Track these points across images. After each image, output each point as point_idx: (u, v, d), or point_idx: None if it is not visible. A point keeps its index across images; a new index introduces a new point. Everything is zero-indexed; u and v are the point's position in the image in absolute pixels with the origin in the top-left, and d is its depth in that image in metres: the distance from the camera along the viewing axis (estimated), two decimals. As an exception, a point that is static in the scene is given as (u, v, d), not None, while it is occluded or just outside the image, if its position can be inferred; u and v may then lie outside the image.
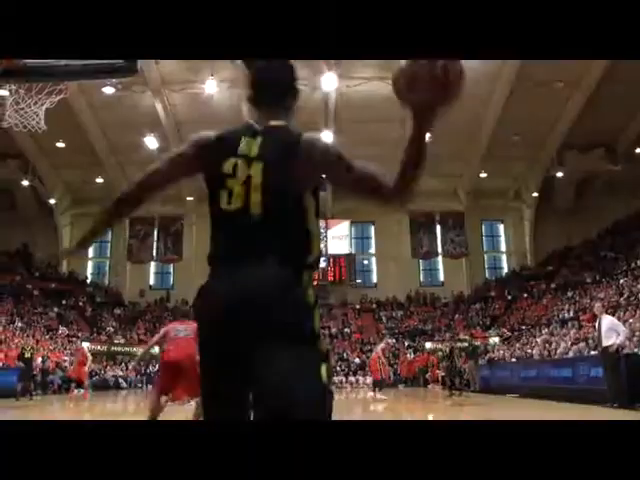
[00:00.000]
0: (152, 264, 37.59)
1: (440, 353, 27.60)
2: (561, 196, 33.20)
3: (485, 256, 37.79)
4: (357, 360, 27.49)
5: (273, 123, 1.88)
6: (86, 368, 20.06)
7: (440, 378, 23.16)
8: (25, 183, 31.78)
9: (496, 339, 26.48)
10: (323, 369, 1.74)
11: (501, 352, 21.70)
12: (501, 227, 37.79)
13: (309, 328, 1.76)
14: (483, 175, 32.58)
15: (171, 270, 37.94)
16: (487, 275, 37.00)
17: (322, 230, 33.79)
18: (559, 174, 31.04)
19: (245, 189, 1.82)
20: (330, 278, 35.88)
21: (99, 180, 32.87)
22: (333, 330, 33.53)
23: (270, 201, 1.80)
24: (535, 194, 33.74)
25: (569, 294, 25.97)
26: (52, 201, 33.99)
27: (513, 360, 19.28)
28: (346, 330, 33.88)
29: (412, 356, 28.41)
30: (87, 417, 11.71)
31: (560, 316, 22.87)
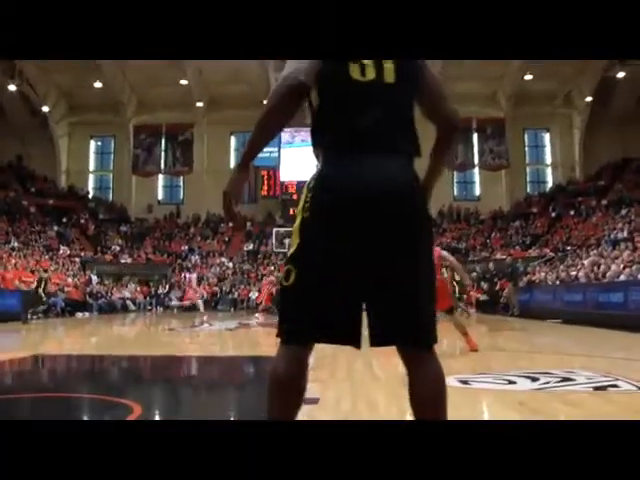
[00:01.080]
0: (160, 177, 37.44)
1: (475, 274, 27.53)
2: (619, 101, 31.69)
3: (527, 169, 36.91)
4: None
5: None
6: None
7: (475, 301, 23.17)
8: (12, 88, 30.42)
9: (538, 260, 26.22)
10: None
11: (543, 274, 21.51)
12: (547, 136, 36.62)
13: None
14: (528, 77, 31.20)
15: (181, 183, 37.85)
16: (529, 190, 36.27)
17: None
18: (620, 75, 29.46)
19: (374, 62, 2.03)
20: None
21: (97, 84, 32.16)
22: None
23: (401, 69, 2.06)
24: (588, 99, 32.31)
25: (623, 212, 25.36)
26: (45, 108, 33.20)
27: (556, 283, 19.11)
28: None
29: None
30: (93, 339, 11.90)
31: (612, 236, 22.41)
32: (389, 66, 2.06)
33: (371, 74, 2.03)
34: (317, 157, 2.08)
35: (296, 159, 33.31)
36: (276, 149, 33.99)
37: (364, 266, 1.94)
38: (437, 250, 10.15)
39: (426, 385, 2.03)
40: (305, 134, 33.30)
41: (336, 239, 1.93)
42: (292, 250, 2.06)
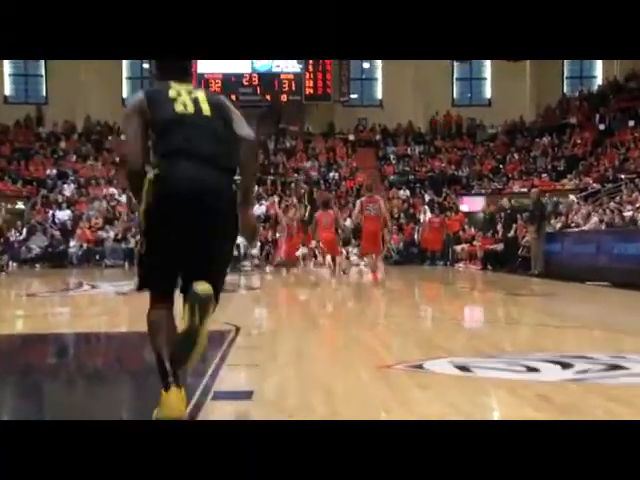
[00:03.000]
0: (6, 62, 36.38)
1: (482, 215, 27.78)
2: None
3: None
4: (348, 223, 27.69)
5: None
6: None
7: (482, 253, 23.49)
8: None
9: (575, 195, 26.60)
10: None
11: (581, 215, 21.82)
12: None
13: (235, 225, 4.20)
14: None
15: (42, 71, 36.93)
16: (565, 89, 36.69)
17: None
18: None
19: (194, 102, 4.17)
20: (308, 91, 35.24)
21: None
22: (313, 175, 33.47)
23: (214, 108, 4.23)
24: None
25: None
26: None
27: (602, 228, 19.39)
28: (332, 175, 33.85)
29: (436, 219, 28.69)
30: None
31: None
32: (205, 105, 4.20)
33: (192, 108, 4.15)
34: (154, 165, 4.08)
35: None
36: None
37: (183, 238, 4.02)
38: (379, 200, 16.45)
39: None
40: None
41: (168, 219, 3.97)
42: (143, 228, 4.12)
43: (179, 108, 4.16)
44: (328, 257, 18.85)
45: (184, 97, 4.22)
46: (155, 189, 4.00)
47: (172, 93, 4.22)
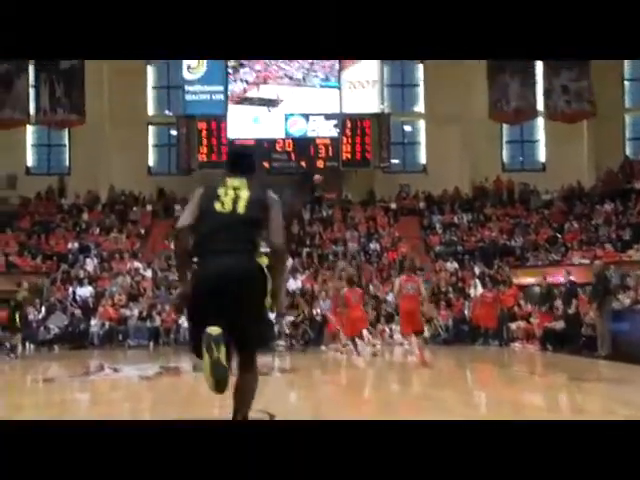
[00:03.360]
0: (29, 130, 37.01)
1: (538, 289, 27.44)
2: None
3: (627, 117, 37.24)
4: (391, 298, 27.47)
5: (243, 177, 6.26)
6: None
7: (542, 332, 23.09)
8: None
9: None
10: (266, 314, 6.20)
11: (652, 289, 21.51)
12: (661, 62, 36.84)
13: (262, 296, 5.95)
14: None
15: (65, 140, 37.54)
16: (628, 151, 36.48)
17: (334, 76, 34.19)
18: None
19: (234, 201, 5.92)
20: (345, 157, 35.37)
21: None
22: (351, 246, 33.42)
23: (250, 207, 5.93)
24: None
25: None
26: None
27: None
28: (373, 246, 33.77)
29: (489, 293, 28.38)
30: None
31: None
32: (242, 203, 5.83)
33: (229, 207, 5.82)
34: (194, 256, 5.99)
35: (249, 115, 34.14)
36: (221, 87, 33.99)
37: (220, 311, 5.66)
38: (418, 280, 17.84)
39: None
40: (266, 89, 33.74)
41: (204, 298, 5.76)
42: (188, 315, 6.24)
43: (218, 207, 5.81)
44: (359, 340, 19.72)
45: (229, 196, 5.85)
46: (192, 279, 5.92)
47: (220, 191, 5.89)
